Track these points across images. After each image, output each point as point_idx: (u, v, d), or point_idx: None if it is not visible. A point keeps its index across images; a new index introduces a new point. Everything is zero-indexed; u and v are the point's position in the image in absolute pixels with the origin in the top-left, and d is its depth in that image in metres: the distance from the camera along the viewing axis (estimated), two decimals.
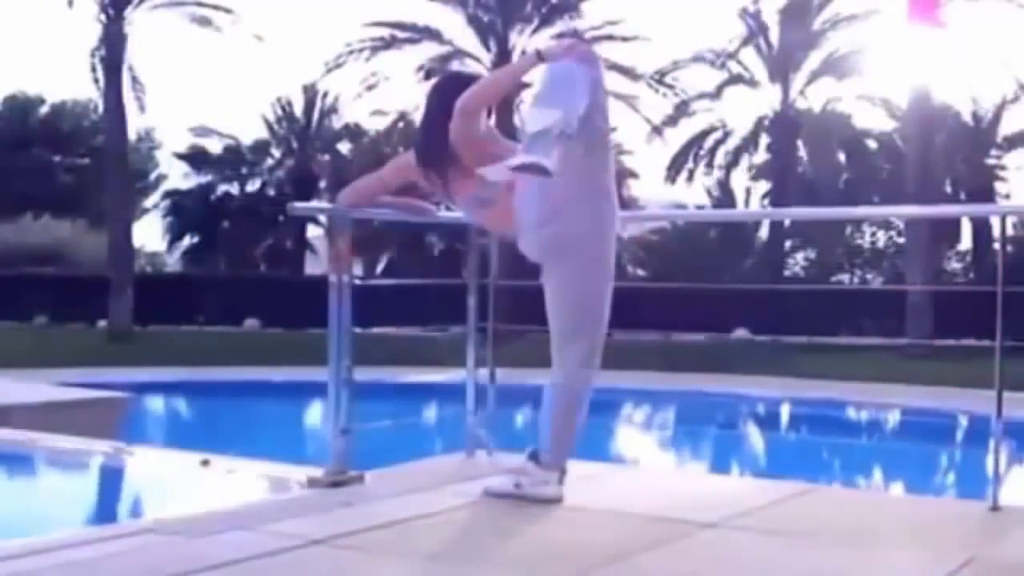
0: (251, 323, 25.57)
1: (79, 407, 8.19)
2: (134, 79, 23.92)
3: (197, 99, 57.17)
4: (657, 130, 26.58)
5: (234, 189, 34.29)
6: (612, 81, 22.39)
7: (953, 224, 27.46)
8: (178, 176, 35.04)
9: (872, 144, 27.53)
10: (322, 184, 32.51)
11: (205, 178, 34.14)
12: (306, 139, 34.14)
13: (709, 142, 28.37)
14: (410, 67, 25.37)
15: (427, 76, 23.94)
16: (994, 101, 28.47)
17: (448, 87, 4.12)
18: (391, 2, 37.59)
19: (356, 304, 4.21)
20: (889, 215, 27.31)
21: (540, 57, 3.84)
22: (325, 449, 4.26)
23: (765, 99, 27.46)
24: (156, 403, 15.61)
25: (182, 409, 16.84)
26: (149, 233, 41.14)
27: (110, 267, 23.21)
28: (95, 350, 19.51)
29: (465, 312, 4.81)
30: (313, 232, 32.24)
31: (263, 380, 16.48)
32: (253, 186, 34.39)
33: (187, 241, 34.10)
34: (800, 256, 29.43)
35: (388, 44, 25.23)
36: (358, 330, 4.26)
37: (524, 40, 25.08)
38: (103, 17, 22.97)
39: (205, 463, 5.09)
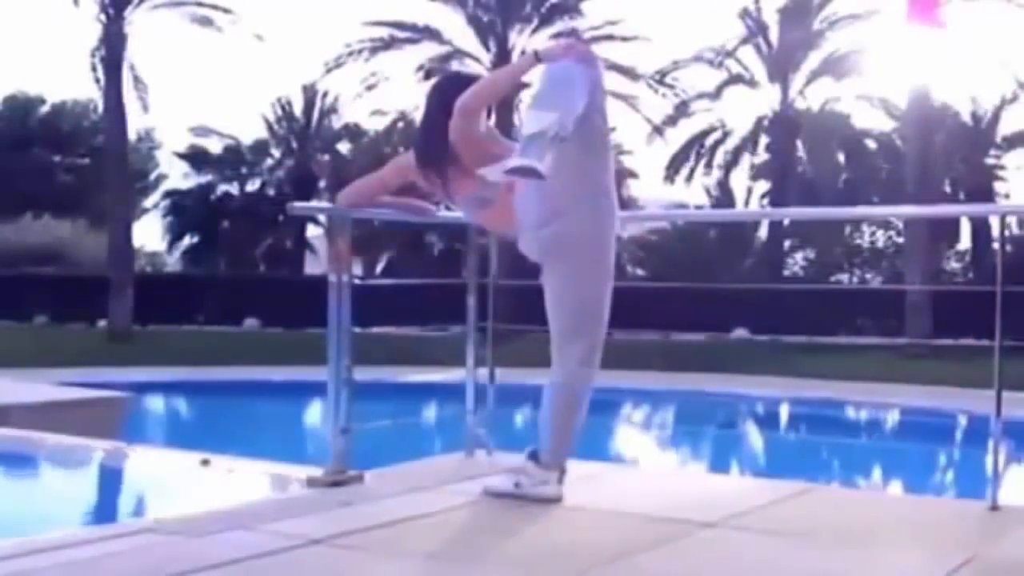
0: (251, 323, 25.57)
1: (79, 407, 8.19)
2: (136, 78, 23.96)
3: (197, 99, 57.21)
4: (657, 130, 26.60)
5: (234, 189, 34.30)
6: (612, 81, 22.42)
7: (952, 224, 27.47)
8: (178, 176, 35.07)
9: (871, 144, 27.53)
10: (322, 184, 32.51)
11: (205, 178, 34.14)
12: (306, 139, 34.13)
13: (709, 142, 28.38)
14: (410, 67, 25.39)
15: (427, 76, 23.94)
16: (993, 101, 28.52)
17: (448, 87, 4.12)
18: (391, 2, 37.63)
19: (356, 304, 4.21)
20: (888, 215, 27.33)
21: (538, 58, 3.85)
22: (325, 449, 4.26)
23: (765, 99, 27.49)
24: (156, 403, 15.61)
25: (182, 409, 16.85)
26: (149, 233, 41.18)
27: (110, 267, 23.21)
28: (95, 350, 19.51)
29: (465, 312, 4.81)
30: (313, 232, 32.25)
31: (263, 380, 16.48)
32: (253, 186, 34.39)
33: (187, 241, 34.10)
34: (799, 256, 29.44)
35: (388, 44, 25.23)
36: (358, 330, 4.26)
37: (524, 40, 25.10)
38: (103, 17, 22.98)
39: (205, 463, 5.10)
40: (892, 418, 14.91)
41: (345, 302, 4.20)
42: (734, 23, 27.21)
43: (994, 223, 20.40)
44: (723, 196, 29.05)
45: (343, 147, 33.76)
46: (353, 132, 33.18)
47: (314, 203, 22.47)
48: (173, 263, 36.08)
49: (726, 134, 28.36)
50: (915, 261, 21.71)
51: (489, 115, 4.08)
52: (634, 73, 25.19)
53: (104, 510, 5.52)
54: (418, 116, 4.31)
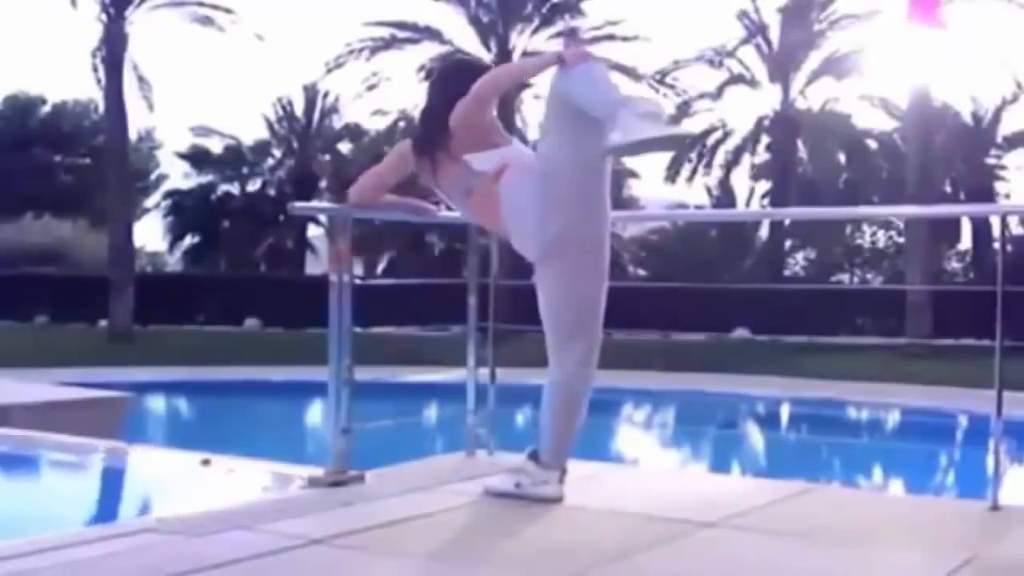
0: (251, 323, 25.58)
1: (80, 407, 8.19)
2: (140, 78, 23.99)
3: (198, 99, 57.25)
4: None
5: (235, 189, 34.32)
6: (613, 81, 22.38)
7: (953, 224, 27.48)
8: (179, 176, 35.09)
9: (872, 144, 27.53)
10: (323, 184, 32.53)
11: (206, 178, 34.17)
12: (307, 139, 34.15)
13: (709, 142, 28.38)
14: (411, 67, 25.45)
15: (428, 76, 23.93)
16: (994, 101, 28.53)
17: (454, 74, 4.15)
18: (392, 2, 37.64)
19: (357, 304, 4.21)
20: (889, 215, 27.34)
21: (560, 60, 3.82)
22: (325, 449, 4.26)
23: (765, 99, 27.50)
24: (157, 403, 15.61)
25: (183, 409, 16.85)
26: (150, 233, 41.15)
27: (111, 267, 23.21)
28: (96, 350, 19.51)
29: (466, 312, 4.82)
30: (313, 232, 32.27)
31: (263, 380, 16.48)
32: (254, 186, 34.41)
33: (188, 241, 34.12)
34: (800, 256, 29.46)
35: (388, 44, 25.25)
36: (358, 330, 4.26)
37: (525, 40, 25.11)
38: (104, 17, 22.99)
39: (206, 463, 5.09)
40: (893, 418, 14.91)
41: (346, 302, 4.20)
42: (735, 23, 27.25)
43: (995, 223, 20.43)
44: (724, 196, 29.06)
45: (344, 147, 33.78)
46: (354, 132, 33.19)
47: (315, 203, 22.49)
48: (174, 263, 36.10)
49: (727, 134, 28.37)
50: (916, 261, 21.71)
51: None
52: (635, 73, 25.19)
53: (105, 510, 5.53)
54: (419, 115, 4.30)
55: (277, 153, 34.59)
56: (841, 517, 3.89)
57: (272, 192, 33.75)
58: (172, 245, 34.79)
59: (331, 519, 3.71)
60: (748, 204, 29.34)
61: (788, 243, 28.30)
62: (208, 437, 11.63)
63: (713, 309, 22.37)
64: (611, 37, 24.95)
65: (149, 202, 36.80)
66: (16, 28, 65.65)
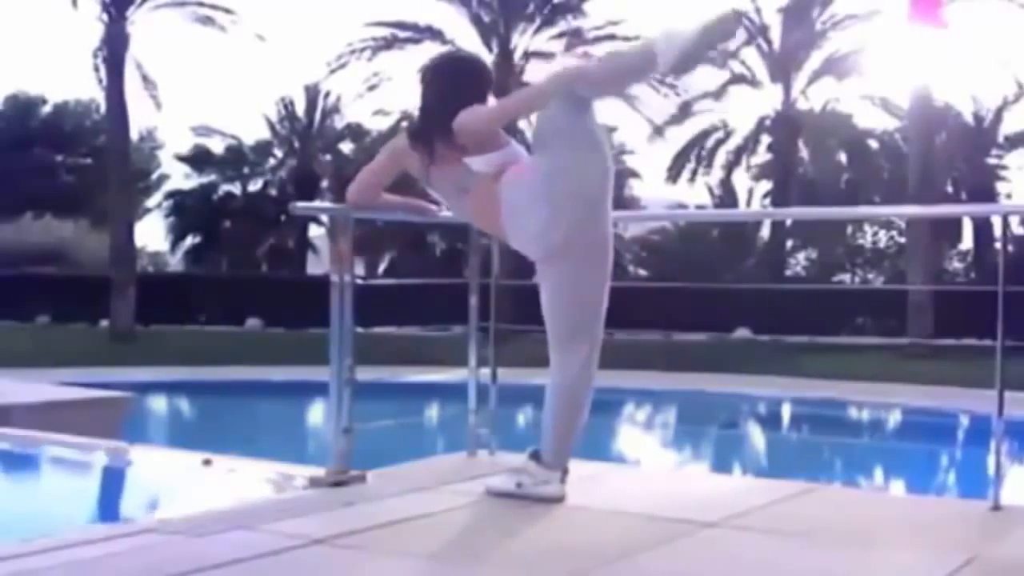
0: (253, 323, 25.59)
1: (81, 407, 8.19)
2: (145, 77, 24.01)
3: (199, 99, 57.26)
4: (658, 130, 26.59)
5: (236, 189, 34.36)
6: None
7: (954, 224, 27.49)
8: (180, 176, 35.11)
9: (873, 144, 27.55)
10: (324, 184, 32.55)
11: (207, 178, 34.21)
12: (308, 139, 34.17)
13: (710, 142, 28.40)
14: (412, 67, 25.34)
15: (421, 73, 23.93)
16: (995, 101, 28.54)
17: (448, 70, 4.13)
18: (393, 2, 37.61)
19: (358, 304, 4.21)
20: (890, 215, 27.34)
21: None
22: (327, 449, 4.26)
23: (767, 99, 27.50)
24: (158, 403, 15.61)
25: (184, 409, 16.85)
26: (151, 233, 41.18)
27: (112, 267, 23.22)
28: (97, 350, 19.51)
29: (467, 312, 4.82)
30: (315, 232, 32.29)
31: (265, 380, 16.49)
32: (255, 186, 34.45)
33: (189, 241, 34.16)
34: (801, 256, 29.48)
35: (390, 44, 25.25)
36: (360, 330, 4.26)
37: (526, 40, 25.11)
38: (105, 17, 23.00)
39: (207, 463, 5.09)
40: (894, 418, 14.90)
41: (347, 302, 4.20)
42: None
43: (996, 223, 20.42)
44: (725, 196, 29.07)
45: (345, 147, 33.81)
46: (355, 132, 33.22)
47: (316, 203, 22.51)
48: (175, 263, 36.13)
49: (728, 134, 28.39)
50: (917, 261, 21.72)
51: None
52: None
53: (106, 510, 5.53)
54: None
55: (279, 153, 34.62)
56: (842, 517, 3.89)
57: (273, 192, 33.78)
58: (173, 245, 34.83)
59: (332, 519, 3.71)
60: (749, 204, 29.36)
61: (789, 243, 28.32)
62: (209, 437, 11.63)
63: (714, 309, 22.38)
64: (612, 37, 24.91)
65: (151, 202, 36.85)
66: (17, 28, 65.69)
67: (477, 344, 4.81)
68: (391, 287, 5.75)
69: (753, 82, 27.36)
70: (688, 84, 26.56)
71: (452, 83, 3.99)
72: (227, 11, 23.87)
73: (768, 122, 27.57)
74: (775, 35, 27.12)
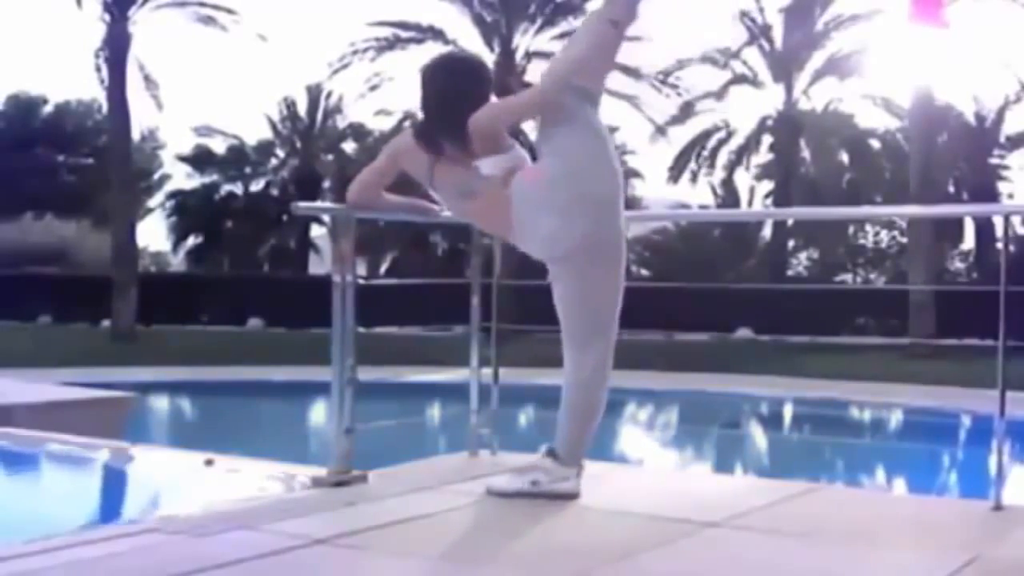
0: (254, 323, 25.60)
1: (83, 407, 8.19)
2: (147, 77, 24.04)
3: (201, 99, 57.26)
4: (660, 130, 26.60)
5: (238, 189, 34.36)
6: (615, 81, 22.39)
7: (956, 224, 27.49)
8: (182, 176, 35.12)
9: (875, 144, 27.54)
10: (326, 184, 32.55)
11: (209, 178, 34.22)
12: (310, 139, 34.18)
13: (712, 142, 28.41)
14: (414, 67, 25.31)
15: (421, 73, 23.95)
16: (997, 101, 28.53)
17: (449, 71, 4.12)
18: (395, 2, 37.61)
19: (360, 304, 4.21)
20: (892, 215, 27.35)
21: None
22: (329, 449, 4.26)
23: (768, 99, 27.51)
24: (160, 403, 15.61)
25: (186, 409, 16.85)
26: (153, 233, 41.18)
27: (114, 267, 23.22)
28: (99, 350, 19.52)
29: (468, 312, 4.82)
30: (317, 232, 32.29)
31: (266, 380, 16.48)
32: (257, 186, 34.46)
33: (191, 241, 34.17)
34: (803, 256, 29.48)
35: (392, 44, 25.27)
36: (362, 330, 4.26)
37: (528, 40, 25.11)
38: (107, 17, 23.00)
39: (209, 463, 5.09)
40: (895, 418, 14.90)
41: (349, 302, 4.20)
42: (738, 24, 27.25)
43: (998, 223, 20.39)
44: (727, 196, 29.07)
45: (348, 147, 33.81)
46: (358, 132, 33.24)
47: (318, 203, 22.47)
48: (177, 263, 36.14)
49: (730, 134, 28.39)
50: (918, 261, 21.71)
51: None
52: (638, 73, 25.18)
53: (108, 510, 5.52)
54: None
55: (280, 153, 34.63)
56: (844, 517, 3.89)
57: (275, 192, 33.79)
58: (175, 245, 34.84)
59: (334, 519, 3.71)
60: (751, 204, 29.35)
61: (791, 243, 28.32)
62: (211, 437, 11.63)
63: (716, 309, 22.38)
64: None
65: (152, 202, 36.87)
66: (19, 28, 65.72)
67: (479, 344, 4.81)
68: (393, 287, 5.75)
69: (755, 82, 27.36)
70: (690, 84, 26.66)
71: (452, 83, 3.99)
72: (229, 11, 23.91)
73: (770, 122, 27.57)
74: (777, 35, 27.14)
